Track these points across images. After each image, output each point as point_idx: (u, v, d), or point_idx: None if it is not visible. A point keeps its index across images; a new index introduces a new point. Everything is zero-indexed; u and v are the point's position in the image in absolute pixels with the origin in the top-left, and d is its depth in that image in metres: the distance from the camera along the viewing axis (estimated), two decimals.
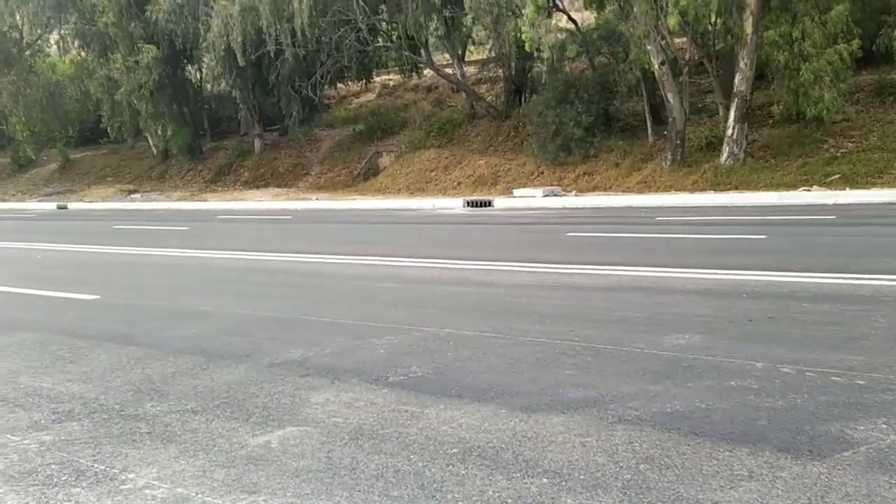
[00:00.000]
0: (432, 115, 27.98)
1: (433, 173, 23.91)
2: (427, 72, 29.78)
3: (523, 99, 25.51)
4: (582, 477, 2.66)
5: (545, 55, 16.93)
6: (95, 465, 3.06)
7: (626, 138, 21.50)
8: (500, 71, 26.19)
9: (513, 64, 25.45)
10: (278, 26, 19.94)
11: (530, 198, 16.70)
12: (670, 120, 18.80)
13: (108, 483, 2.87)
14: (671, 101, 18.39)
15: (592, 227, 12.05)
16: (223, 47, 21.13)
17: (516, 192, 17.66)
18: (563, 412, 3.30)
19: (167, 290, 7.44)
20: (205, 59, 25.43)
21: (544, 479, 2.65)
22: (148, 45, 24.24)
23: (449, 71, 26.11)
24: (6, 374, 4.53)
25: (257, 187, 27.54)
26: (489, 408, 3.41)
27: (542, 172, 21.51)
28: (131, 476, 2.92)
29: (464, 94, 27.29)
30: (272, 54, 22.60)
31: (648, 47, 17.79)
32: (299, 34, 19.95)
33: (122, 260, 10.10)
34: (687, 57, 18.90)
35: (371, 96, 34.75)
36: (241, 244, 11.20)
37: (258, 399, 3.76)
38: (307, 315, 5.75)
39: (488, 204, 16.88)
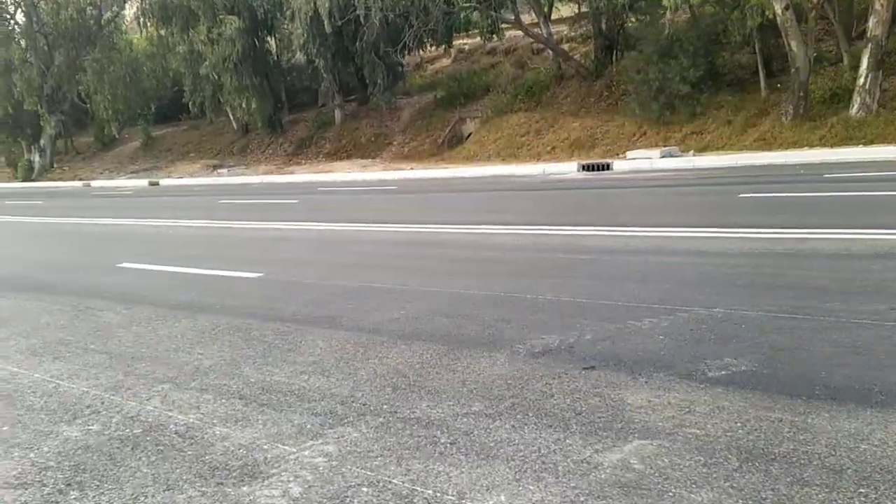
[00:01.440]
0: (516, 78, 26.93)
1: (524, 138, 23.00)
2: (509, 33, 28.66)
3: (615, 57, 24.19)
4: None
5: (667, 3, 15.65)
6: (419, 489, 2.48)
7: (734, 93, 20.08)
8: (590, 27, 24.86)
9: (603, 19, 24.13)
10: None
11: (645, 159, 15.66)
12: (792, 70, 17.35)
13: None
14: (794, 49, 16.93)
15: (756, 186, 11.00)
16: (309, 14, 20.54)
17: (630, 153, 16.62)
18: None
19: (330, 266, 6.93)
20: (287, 28, 24.91)
21: None
22: (230, 17, 23.91)
23: (537, 31, 24.89)
24: (225, 365, 4.04)
25: (340, 159, 27.18)
26: None
27: (645, 133, 20.35)
28: None
29: (549, 55, 26.12)
30: (357, 20, 21.96)
31: None
32: None
33: (254, 235, 9.67)
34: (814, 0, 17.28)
35: (446, 62, 33.86)
36: (367, 215, 10.69)
37: (557, 400, 3.12)
38: (519, 293, 5.10)
39: (606, 167, 15.93)
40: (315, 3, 20.10)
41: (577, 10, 25.40)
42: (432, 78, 31.94)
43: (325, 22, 20.13)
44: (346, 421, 3.11)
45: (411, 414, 3.13)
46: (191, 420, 3.23)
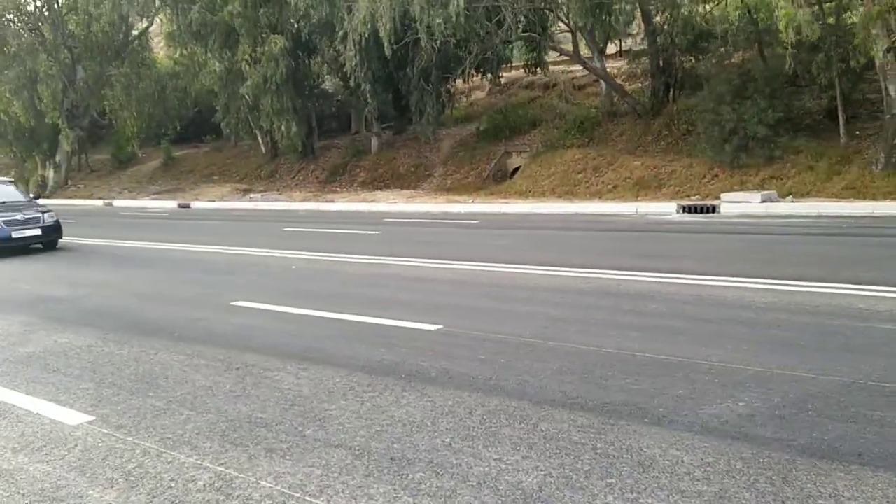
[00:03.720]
0: (565, 113, 26.01)
1: (580, 175, 21.92)
2: (552, 67, 27.94)
3: (673, 94, 23.32)
4: None
5: (786, 36, 14.71)
6: None
7: (810, 137, 19.13)
8: (648, 64, 24.03)
9: (661, 57, 23.33)
10: (431, 13, 18.20)
11: (744, 203, 14.52)
12: (888, 116, 16.41)
13: None
14: (892, 94, 16.00)
15: None
16: (365, 35, 19.53)
17: (725, 196, 15.50)
18: None
19: (522, 318, 5.62)
20: (327, 52, 23.87)
21: None
22: (275, 36, 22.87)
23: (596, 65, 24.05)
24: (564, 487, 2.72)
25: (376, 188, 25.97)
26: None
27: (717, 175, 19.30)
28: None
29: (598, 90, 25.26)
30: (407, 45, 20.98)
31: (873, 31, 15.45)
32: (453, 20, 18.17)
33: (375, 272, 8.27)
34: None
35: (481, 94, 33.07)
36: (481, 253, 9.41)
37: None
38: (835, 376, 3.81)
39: (712, 210, 14.77)
40: (373, 25, 19.05)
41: (632, 46, 24.59)
42: (467, 110, 31.03)
43: (385, 44, 19.06)
44: None
45: None
46: None
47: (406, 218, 16.69)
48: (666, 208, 15.50)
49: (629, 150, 22.32)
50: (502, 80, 32.48)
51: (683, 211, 15.03)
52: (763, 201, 14.67)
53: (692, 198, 18.30)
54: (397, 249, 10.11)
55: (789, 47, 15.71)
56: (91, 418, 3.70)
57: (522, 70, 29.50)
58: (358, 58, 20.87)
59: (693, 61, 22.80)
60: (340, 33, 21.21)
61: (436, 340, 4.97)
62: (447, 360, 4.44)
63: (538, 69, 27.60)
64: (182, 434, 3.40)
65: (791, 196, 16.12)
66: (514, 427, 3.25)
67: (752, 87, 19.00)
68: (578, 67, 30.41)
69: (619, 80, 26.67)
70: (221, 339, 5.22)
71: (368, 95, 22.91)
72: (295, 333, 5.36)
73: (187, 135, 34.84)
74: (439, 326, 5.29)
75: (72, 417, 3.73)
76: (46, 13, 29.81)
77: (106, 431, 3.51)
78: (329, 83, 32.43)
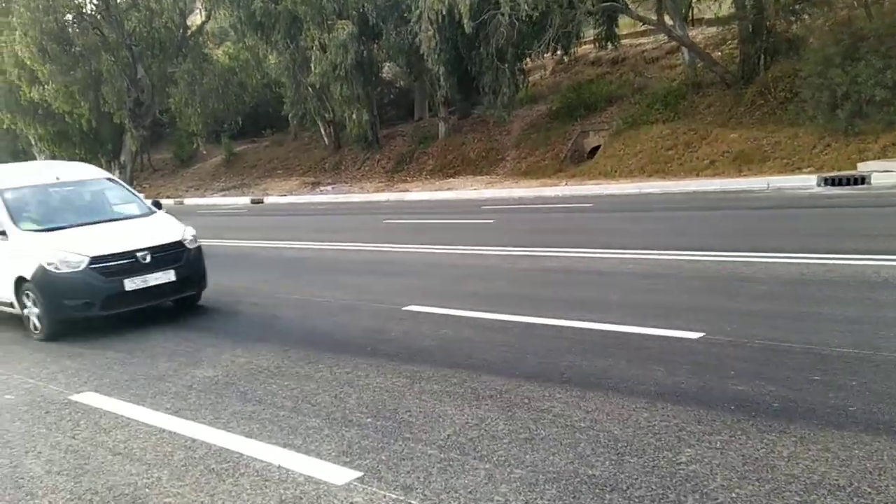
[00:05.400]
0: (645, 87, 24.66)
1: (670, 151, 20.63)
2: (625, 40, 26.57)
3: (764, 61, 21.76)
4: None
5: None
6: None
7: None
8: (736, 30, 22.48)
9: (752, 20, 21.75)
10: None
11: (885, 172, 13.17)
12: None
13: None
14: None
15: None
16: (442, 12, 18.55)
17: (862, 165, 14.15)
18: None
19: (798, 319, 4.60)
20: (399, 34, 22.91)
21: None
22: (342, 21, 22.05)
23: (679, 34, 22.64)
24: None
25: (447, 176, 25.08)
26: None
27: (829, 144, 17.81)
28: None
29: (685, 59, 23.82)
30: (482, 23, 19.92)
31: None
32: None
33: (539, 266, 7.29)
34: None
35: (543, 74, 31.80)
36: (643, 241, 8.38)
37: None
38: None
39: (860, 181, 13.47)
40: (450, 1, 18.06)
41: (716, 13, 23.07)
42: (532, 90, 29.81)
43: (465, 21, 18.05)
44: None
45: None
46: None
47: (504, 205, 15.75)
48: (800, 182, 14.22)
49: (720, 123, 20.92)
50: (573, 57, 31.19)
51: (826, 184, 13.72)
52: None
53: (804, 171, 16.94)
54: (532, 239, 9.16)
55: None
56: (358, 474, 2.87)
57: (593, 45, 28.13)
58: (437, 37, 19.88)
59: (790, 23, 21.20)
60: (416, 13, 20.26)
61: (718, 353, 4.01)
62: (777, 384, 3.47)
63: (609, 43, 26.24)
64: (504, 502, 2.54)
65: None
66: None
67: (865, 47, 17.44)
68: (647, 41, 28.99)
69: (706, 49, 25.17)
70: (428, 354, 4.37)
71: (442, 78, 21.91)
72: (516, 346, 4.46)
73: (244, 130, 34.47)
74: (700, 334, 4.33)
75: (331, 473, 2.91)
76: (105, 12, 29.60)
77: (395, 497, 2.68)
78: (388, 70, 31.60)
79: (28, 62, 27.09)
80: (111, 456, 3.22)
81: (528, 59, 27.00)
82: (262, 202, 23.56)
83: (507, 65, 21.43)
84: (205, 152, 35.41)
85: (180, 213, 23.51)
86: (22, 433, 3.63)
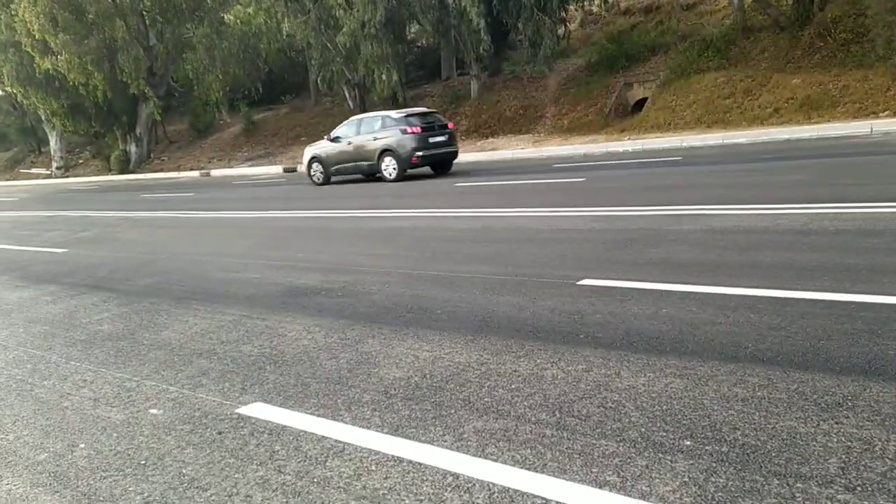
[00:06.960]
0: (689, 35, 23.42)
1: (728, 100, 19.55)
2: None
3: (819, 1, 20.49)
4: None
5: None
6: None
7: None
8: None
9: None
10: None
11: None
12: None
13: None
14: None
15: None
16: None
17: None
18: None
19: None
20: None
21: None
22: None
23: None
24: None
25: (483, 136, 24.03)
26: None
27: None
28: None
29: (734, 3, 22.55)
30: None
31: None
32: None
33: (697, 225, 6.31)
34: None
35: (572, 26, 30.41)
36: (780, 193, 7.48)
37: None
38: None
39: None
40: None
41: None
42: (562, 44, 28.52)
43: None
44: None
45: None
46: None
47: (574, 162, 14.77)
48: None
49: (778, 68, 19.79)
50: (594, 11, 29.78)
51: None
52: None
53: (882, 115, 15.90)
54: (655, 197, 8.22)
55: None
56: None
57: None
58: None
59: None
60: None
61: None
62: None
63: None
64: None
65: None
66: None
67: None
68: None
69: None
70: (680, 344, 3.50)
71: (482, 31, 20.71)
72: (785, 328, 3.60)
73: (261, 97, 33.29)
74: None
75: None
76: None
77: None
78: (412, 29, 30.30)
79: (37, 34, 25.91)
80: (355, 502, 2.36)
81: (570, 8, 25.72)
82: (296, 170, 22.59)
83: (549, 14, 20.19)
84: (228, 120, 34.22)
85: (214, 186, 22.68)
86: (204, 465, 2.75)
